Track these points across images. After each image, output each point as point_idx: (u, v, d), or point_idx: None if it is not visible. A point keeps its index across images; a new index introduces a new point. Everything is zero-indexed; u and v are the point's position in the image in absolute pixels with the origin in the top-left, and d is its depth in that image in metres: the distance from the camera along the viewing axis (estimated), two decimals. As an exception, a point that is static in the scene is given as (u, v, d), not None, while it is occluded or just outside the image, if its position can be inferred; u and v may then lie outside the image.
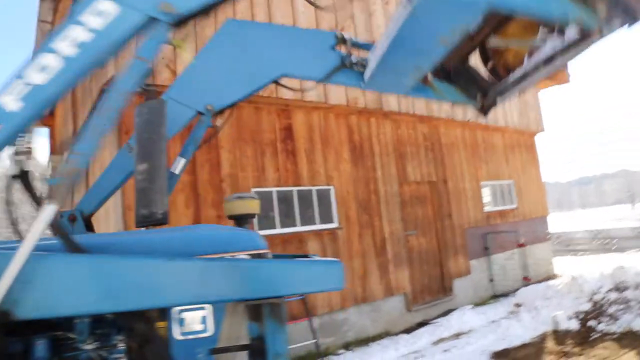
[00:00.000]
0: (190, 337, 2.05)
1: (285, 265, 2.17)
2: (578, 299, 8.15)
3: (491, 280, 10.43)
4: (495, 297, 10.12)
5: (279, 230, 6.78)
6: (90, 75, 2.11)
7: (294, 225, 7.01)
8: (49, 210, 2.00)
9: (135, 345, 2.19)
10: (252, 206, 3.16)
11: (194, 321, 2.08)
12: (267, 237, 6.53)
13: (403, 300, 8.30)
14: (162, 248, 2.15)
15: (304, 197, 7.21)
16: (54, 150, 11.18)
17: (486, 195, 11.14)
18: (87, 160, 2.06)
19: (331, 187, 7.55)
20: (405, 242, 8.59)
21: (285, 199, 6.98)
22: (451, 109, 9.94)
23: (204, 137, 3.08)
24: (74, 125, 8.86)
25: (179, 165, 3.10)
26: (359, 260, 7.64)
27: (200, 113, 2.97)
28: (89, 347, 2.10)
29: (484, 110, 2.69)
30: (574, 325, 6.95)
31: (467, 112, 10.36)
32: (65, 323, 2.07)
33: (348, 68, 2.79)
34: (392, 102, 8.59)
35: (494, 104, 2.66)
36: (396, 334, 7.73)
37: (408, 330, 7.90)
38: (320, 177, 7.40)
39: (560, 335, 6.71)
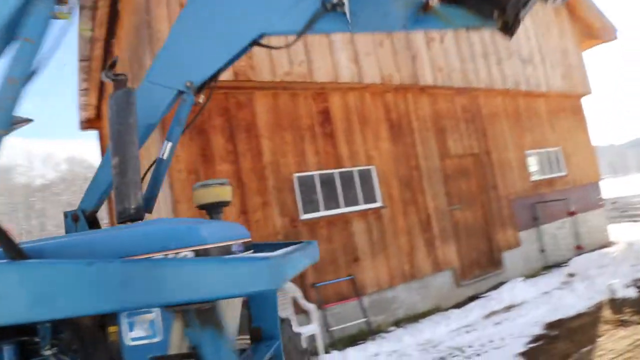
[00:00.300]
0: (140, 342, 1.96)
1: (199, 266, 1.80)
2: (635, 266, 7.86)
3: (542, 251, 10.19)
4: (547, 268, 9.90)
5: (323, 213, 6.89)
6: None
7: (338, 207, 7.09)
8: None
9: (86, 350, 2.13)
10: (221, 193, 2.83)
11: (142, 326, 1.99)
12: (312, 220, 6.70)
13: (452, 275, 8.27)
14: (100, 249, 2.02)
15: (346, 178, 7.27)
16: (104, 152, 11.69)
17: (532, 164, 10.81)
18: None
19: (372, 167, 7.56)
20: (451, 217, 8.51)
21: (327, 181, 7.06)
22: (490, 78, 9.66)
23: (189, 118, 2.87)
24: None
25: (166, 150, 2.87)
26: (404, 238, 7.66)
27: (181, 92, 2.76)
28: (48, 352, 2.09)
29: (507, 29, 2.15)
30: (632, 293, 6.72)
31: (506, 80, 10.03)
32: (29, 328, 2.08)
33: (330, 11, 2.30)
34: (427, 76, 8.44)
35: (517, 19, 2.13)
36: (446, 309, 7.74)
37: (458, 305, 7.89)
38: (360, 158, 7.42)
39: (617, 304, 6.52)
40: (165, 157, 2.84)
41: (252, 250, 2.49)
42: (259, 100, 6.63)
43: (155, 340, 1.96)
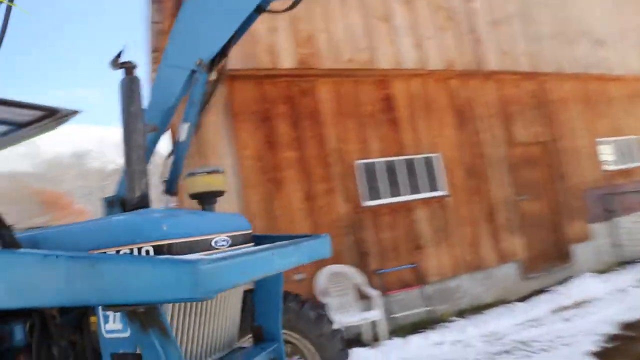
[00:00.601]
0: (113, 335, 1.92)
1: (112, 265, 1.64)
2: None
3: (616, 245, 9.61)
4: (622, 263, 9.31)
5: (385, 200, 6.86)
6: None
7: (401, 194, 7.03)
8: None
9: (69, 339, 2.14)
10: (213, 182, 2.64)
11: (114, 319, 1.93)
12: (374, 207, 6.69)
13: (517, 267, 8.00)
14: (74, 240, 1.99)
15: (409, 166, 7.18)
16: (173, 139, 12.16)
17: (607, 153, 10.17)
18: None
19: (435, 154, 7.42)
20: (517, 207, 8.20)
21: (390, 169, 7.01)
22: (559, 62, 9.16)
23: (204, 96, 2.92)
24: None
25: (183, 131, 2.87)
26: (468, 227, 7.48)
27: (193, 71, 2.78)
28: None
29: None
30: None
31: (577, 63, 9.47)
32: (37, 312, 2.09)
33: None
34: (492, 61, 8.14)
35: None
36: (511, 301, 7.50)
37: (523, 298, 7.62)
38: (423, 145, 7.30)
39: None
40: (183, 139, 2.85)
41: (251, 244, 2.38)
42: (322, 88, 6.67)
43: (124, 335, 1.90)
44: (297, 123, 6.38)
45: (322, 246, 2.44)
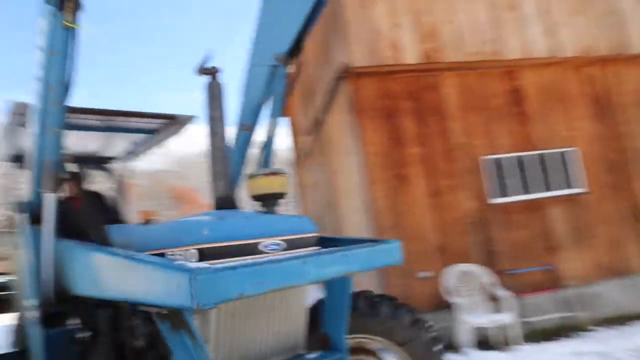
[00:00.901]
0: None
1: (113, 263, 1.81)
2: None
3: None
4: None
5: (514, 198, 6.48)
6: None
7: (532, 192, 6.60)
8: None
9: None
10: (274, 184, 2.60)
11: None
12: (502, 204, 6.37)
13: (668, 275, 7.08)
14: (143, 241, 2.12)
15: (541, 161, 6.71)
16: (297, 138, 12.62)
17: None
18: None
19: (571, 149, 6.84)
20: (669, 207, 7.25)
21: (519, 164, 6.61)
22: None
23: (285, 89, 2.97)
24: (307, 113, 9.98)
25: (271, 127, 2.97)
26: (611, 228, 6.78)
27: (274, 67, 2.87)
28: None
29: None
30: None
31: None
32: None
33: None
34: (636, 43, 7.26)
35: None
36: (662, 313, 6.67)
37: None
38: (557, 139, 6.77)
39: None
40: (270, 134, 2.96)
41: (314, 247, 2.30)
42: (446, 82, 6.51)
43: None
44: (422, 118, 6.30)
45: (388, 253, 2.31)
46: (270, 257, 1.97)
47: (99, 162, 5.65)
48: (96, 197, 4.62)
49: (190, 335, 1.80)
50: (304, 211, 12.89)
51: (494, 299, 5.87)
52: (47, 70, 2.34)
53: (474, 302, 5.77)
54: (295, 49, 2.87)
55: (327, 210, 9.04)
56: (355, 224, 6.85)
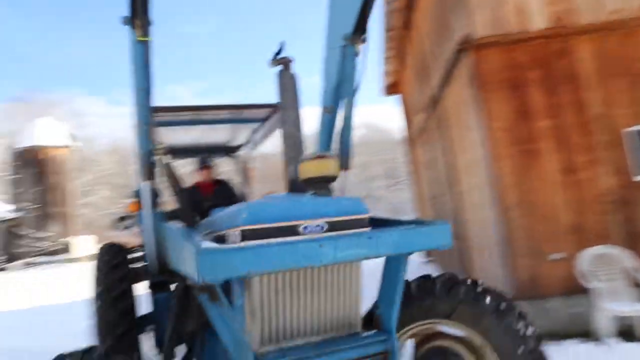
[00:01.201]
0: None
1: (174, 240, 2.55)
2: None
3: None
4: None
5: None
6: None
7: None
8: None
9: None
10: (323, 168, 2.63)
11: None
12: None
13: None
14: (220, 222, 2.51)
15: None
16: (409, 115, 12.50)
17: None
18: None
19: None
20: None
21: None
22: None
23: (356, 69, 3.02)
24: (422, 90, 9.75)
25: (347, 108, 3.05)
26: None
27: (343, 47, 2.95)
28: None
29: None
30: None
31: None
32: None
33: None
34: None
35: None
36: None
37: None
38: None
39: None
40: (347, 115, 3.03)
41: (368, 228, 2.29)
42: (580, 47, 5.90)
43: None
44: (552, 89, 5.80)
45: (433, 236, 2.25)
46: (306, 237, 2.09)
47: (227, 151, 6.34)
48: (223, 183, 5.17)
49: (224, 307, 2.05)
50: (417, 190, 12.72)
51: (638, 285, 5.31)
52: (132, 78, 2.74)
53: (615, 287, 5.27)
54: (360, 29, 2.95)
55: (444, 188, 8.83)
56: (476, 202, 6.61)
